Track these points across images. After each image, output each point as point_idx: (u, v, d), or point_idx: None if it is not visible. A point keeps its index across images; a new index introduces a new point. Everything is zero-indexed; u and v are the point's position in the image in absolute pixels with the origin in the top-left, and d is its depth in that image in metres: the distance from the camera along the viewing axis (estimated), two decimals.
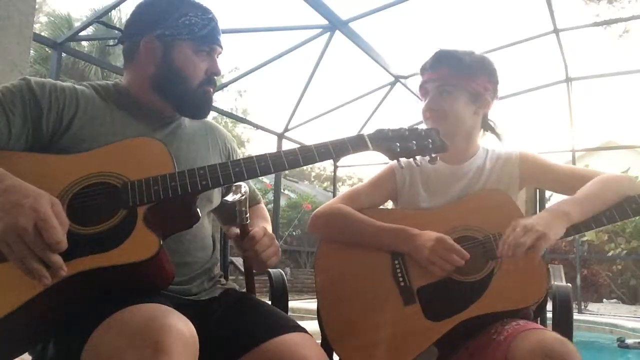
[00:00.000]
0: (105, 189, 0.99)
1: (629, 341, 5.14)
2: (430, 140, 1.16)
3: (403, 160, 1.15)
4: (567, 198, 1.27)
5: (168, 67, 1.16)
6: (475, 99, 1.41)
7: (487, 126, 1.51)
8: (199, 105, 1.22)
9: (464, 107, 1.40)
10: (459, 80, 1.39)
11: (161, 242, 0.93)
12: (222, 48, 1.23)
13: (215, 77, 1.24)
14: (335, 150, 1.10)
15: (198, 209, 1.07)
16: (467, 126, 1.44)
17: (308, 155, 1.08)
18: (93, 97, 1.15)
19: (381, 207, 1.52)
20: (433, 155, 1.16)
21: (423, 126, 1.30)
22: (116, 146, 1.06)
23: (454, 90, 1.39)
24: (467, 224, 1.32)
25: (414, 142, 1.14)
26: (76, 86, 1.15)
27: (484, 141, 1.53)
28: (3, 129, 1.02)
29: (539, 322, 1.34)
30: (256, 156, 1.07)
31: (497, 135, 1.52)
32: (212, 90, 1.23)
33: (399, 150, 1.13)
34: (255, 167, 1.05)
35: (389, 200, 1.57)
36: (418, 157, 1.17)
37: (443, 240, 1.26)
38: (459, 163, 1.46)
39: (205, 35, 1.18)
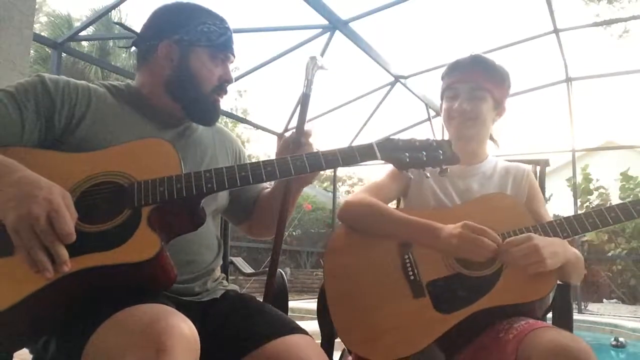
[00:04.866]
0: (112, 188, 0.99)
1: (621, 339, 5.21)
2: (441, 152, 1.13)
3: (412, 170, 1.14)
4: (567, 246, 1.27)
5: (184, 71, 1.19)
6: (497, 105, 1.47)
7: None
8: (208, 112, 1.24)
9: (489, 112, 1.45)
10: (491, 86, 1.43)
11: (162, 244, 0.93)
12: (234, 57, 1.26)
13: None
14: (344, 159, 1.09)
15: (204, 211, 1.07)
16: (486, 131, 1.49)
17: (315, 162, 1.08)
18: (105, 96, 1.17)
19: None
20: (444, 167, 1.14)
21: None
22: (126, 146, 1.07)
23: (486, 94, 1.43)
24: (481, 223, 1.31)
25: (424, 152, 1.12)
26: (89, 85, 1.17)
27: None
28: (17, 123, 1.03)
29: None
30: (263, 161, 1.07)
31: (494, 140, 1.56)
32: (221, 99, 1.25)
33: (408, 160, 1.12)
34: (261, 172, 1.05)
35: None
36: (428, 169, 1.15)
37: (468, 224, 1.25)
38: (467, 165, 1.48)
39: (222, 43, 1.21)
